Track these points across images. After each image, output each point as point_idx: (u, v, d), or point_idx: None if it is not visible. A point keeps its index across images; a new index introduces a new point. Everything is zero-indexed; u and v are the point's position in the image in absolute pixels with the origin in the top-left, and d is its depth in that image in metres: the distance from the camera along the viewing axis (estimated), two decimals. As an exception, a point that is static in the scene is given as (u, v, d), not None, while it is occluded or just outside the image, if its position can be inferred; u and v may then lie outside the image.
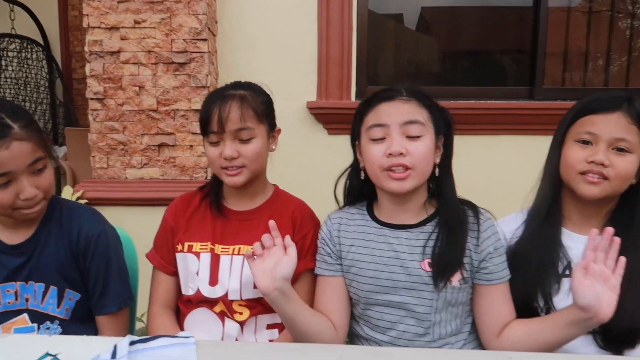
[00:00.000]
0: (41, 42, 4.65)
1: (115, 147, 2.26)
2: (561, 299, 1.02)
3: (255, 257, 0.98)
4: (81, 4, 2.26)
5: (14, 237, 1.11)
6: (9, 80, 4.55)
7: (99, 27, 2.22)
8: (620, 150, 0.98)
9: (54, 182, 1.13)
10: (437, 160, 1.06)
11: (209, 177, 2.27)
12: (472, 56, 2.80)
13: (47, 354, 0.76)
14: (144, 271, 1.35)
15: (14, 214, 1.06)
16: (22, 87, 4.59)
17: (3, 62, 4.47)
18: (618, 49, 2.64)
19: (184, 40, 2.20)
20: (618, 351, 0.97)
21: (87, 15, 2.23)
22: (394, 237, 1.06)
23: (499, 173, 2.39)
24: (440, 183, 1.07)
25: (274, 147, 1.20)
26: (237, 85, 1.16)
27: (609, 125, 0.98)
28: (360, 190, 1.13)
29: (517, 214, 1.16)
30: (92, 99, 2.25)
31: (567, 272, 1.04)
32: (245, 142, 1.11)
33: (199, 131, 2.26)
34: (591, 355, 0.98)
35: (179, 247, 1.17)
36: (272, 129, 1.18)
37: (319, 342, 0.98)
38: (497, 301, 1.03)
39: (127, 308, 1.20)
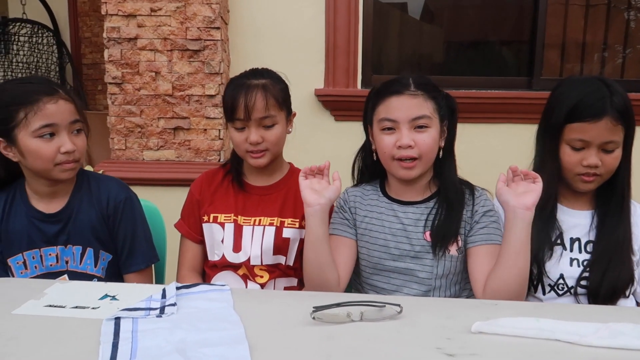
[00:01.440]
0: (51, 27, 4.74)
1: (133, 129, 2.38)
2: (553, 265, 1.15)
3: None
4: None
5: (50, 207, 1.24)
6: (20, 64, 4.65)
7: (117, 15, 2.32)
8: (608, 150, 1.10)
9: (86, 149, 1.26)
10: (442, 144, 1.18)
11: (222, 160, 2.39)
12: (473, 46, 2.90)
13: (107, 295, 0.89)
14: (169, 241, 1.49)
15: (54, 171, 1.17)
16: (33, 72, 4.69)
17: (15, 47, 4.56)
18: (614, 41, 2.74)
19: (198, 28, 2.31)
20: None
21: (105, 2, 2.33)
22: (401, 211, 1.19)
23: (498, 159, 2.49)
24: (443, 164, 1.20)
25: (290, 130, 1.31)
26: (257, 73, 1.26)
27: (598, 132, 1.08)
28: (374, 168, 1.26)
29: None
30: (110, 83, 2.36)
31: (558, 241, 1.16)
32: (269, 128, 1.22)
33: (212, 116, 2.40)
34: (571, 304, 1.11)
35: (205, 218, 1.29)
36: (289, 113, 1.30)
37: (325, 284, 1.10)
38: (482, 259, 1.12)
39: (152, 267, 1.34)
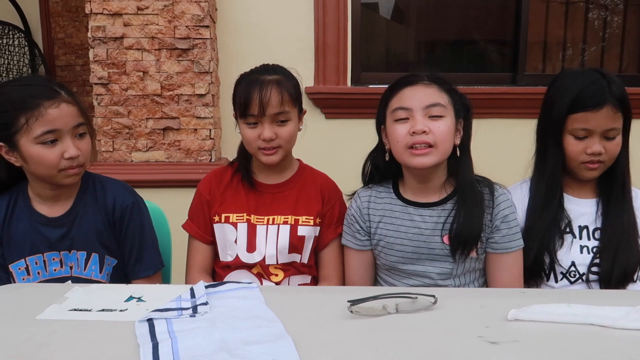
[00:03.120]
0: (22, 28, 4.59)
1: (121, 131, 2.32)
2: (564, 253, 1.17)
3: None
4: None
5: (53, 211, 1.20)
6: (-10, 66, 4.49)
7: (102, 14, 2.26)
8: (610, 137, 1.13)
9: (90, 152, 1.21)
10: (457, 142, 1.15)
11: (213, 160, 2.36)
12: (458, 45, 2.95)
13: (132, 297, 0.86)
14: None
15: (57, 176, 1.13)
16: (3, 75, 4.53)
17: (-16, 49, 4.40)
18: (591, 38, 2.82)
19: (186, 27, 2.27)
20: None
21: (90, 1, 2.26)
22: (417, 214, 1.16)
23: (487, 153, 2.54)
24: (459, 163, 1.16)
25: (301, 127, 1.30)
26: (269, 69, 1.24)
27: (600, 120, 1.12)
28: (386, 170, 1.22)
29: (522, 182, 1.29)
30: (96, 84, 2.30)
31: (567, 230, 1.19)
32: (282, 125, 1.20)
33: (203, 115, 2.37)
34: (595, 290, 1.13)
35: (216, 218, 1.26)
36: (300, 110, 1.28)
37: None
38: (501, 269, 1.13)
39: (160, 272, 1.31)
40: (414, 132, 1.08)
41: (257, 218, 1.25)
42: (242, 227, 1.24)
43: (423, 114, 1.09)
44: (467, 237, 1.10)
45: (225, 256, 1.25)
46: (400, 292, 0.82)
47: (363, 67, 2.66)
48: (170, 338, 0.68)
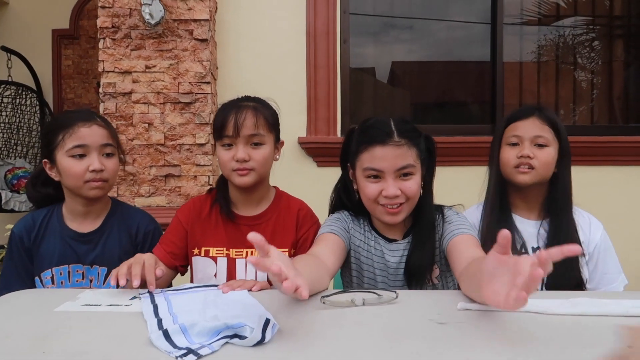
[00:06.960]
0: (35, 88, 4.89)
1: (125, 177, 2.49)
2: None
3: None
4: (74, 55, 2.52)
5: (83, 227, 1.36)
6: (2, 125, 4.73)
7: (113, 72, 2.51)
8: (540, 145, 1.31)
9: (117, 172, 1.37)
10: (422, 182, 1.19)
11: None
12: (439, 103, 3.19)
13: (135, 296, 0.97)
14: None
15: (83, 188, 1.29)
16: (14, 132, 4.78)
17: (-2, 108, 4.67)
18: (564, 93, 3.08)
19: (189, 83, 2.50)
20: None
21: (103, 61, 2.51)
22: (387, 249, 1.25)
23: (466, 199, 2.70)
24: (421, 201, 1.21)
25: (277, 157, 1.34)
26: (248, 97, 1.32)
27: (528, 127, 1.32)
28: (355, 206, 1.27)
29: (478, 205, 1.44)
30: (104, 134, 2.50)
31: (522, 250, 1.31)
32: (256, 147, 1.25)
33: (202, 163, 2.54)
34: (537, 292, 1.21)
35: (195, 251, 1.31)
36: (277, 140, 1.34)
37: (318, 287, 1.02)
38: (460, 246, 1.12)
39: None
40: (386, 196, 1.14)
41: (236, 252, 1.30)
42: (222, 262, 1.29)
43: (394, 176, 1.14)
44: (418, 270, 1.18)
45: None
46: (366, 289, 0.95)
47: (352, 119, 2.88)
48: (166, 301, 0.81)
